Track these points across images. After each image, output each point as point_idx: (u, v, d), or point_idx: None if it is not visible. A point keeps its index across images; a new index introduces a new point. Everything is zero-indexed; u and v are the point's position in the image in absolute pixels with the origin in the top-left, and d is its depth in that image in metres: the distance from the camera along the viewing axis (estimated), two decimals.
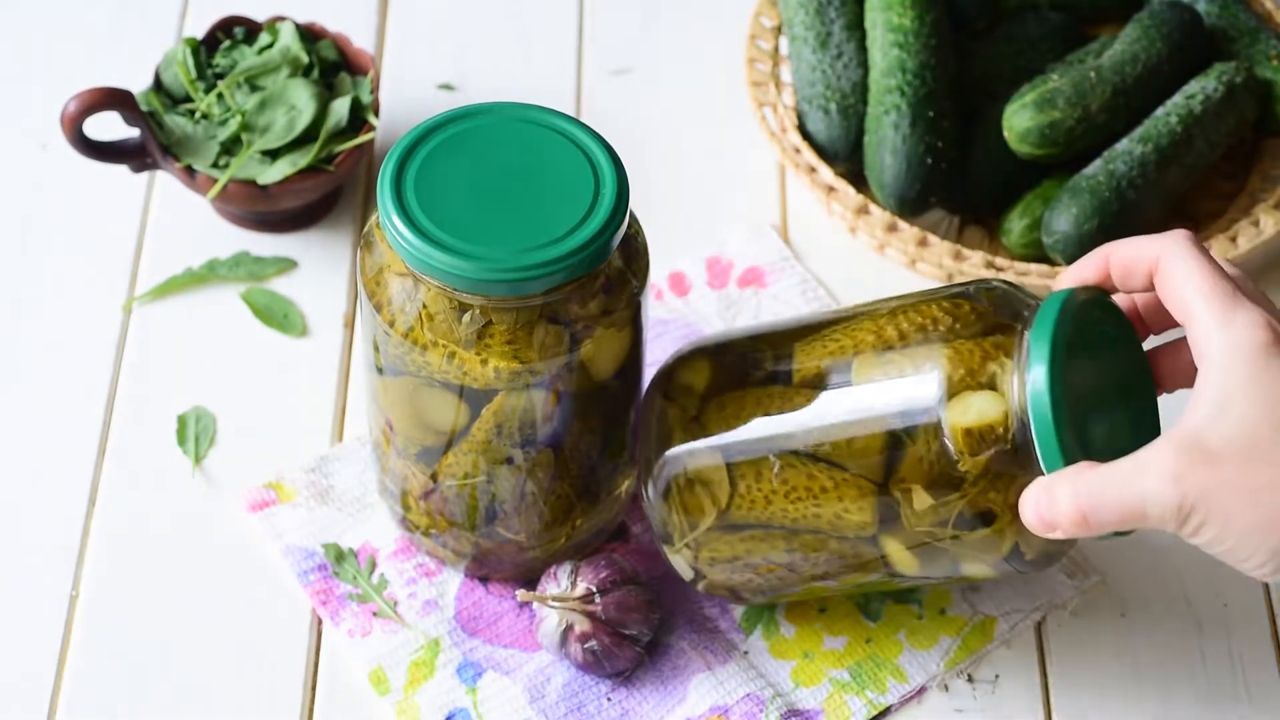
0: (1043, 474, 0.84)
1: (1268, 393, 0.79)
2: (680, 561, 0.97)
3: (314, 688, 1.00)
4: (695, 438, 0.94)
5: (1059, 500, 0.82)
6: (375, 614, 1.02)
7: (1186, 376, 0.90)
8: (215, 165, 1.14)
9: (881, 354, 0.90)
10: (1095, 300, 0.87)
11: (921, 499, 0.89)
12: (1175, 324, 0.88)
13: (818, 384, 0.92)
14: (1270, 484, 0.78)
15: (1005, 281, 0.92)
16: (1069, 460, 0.83)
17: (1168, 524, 0.80)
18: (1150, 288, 0.86)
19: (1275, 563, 0.79)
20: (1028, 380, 0.84)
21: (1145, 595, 1.04)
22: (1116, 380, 0.89)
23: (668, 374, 0.97)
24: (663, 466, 0.95)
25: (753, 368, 0.95)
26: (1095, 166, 1.14)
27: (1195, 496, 0.79)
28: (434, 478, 0.97)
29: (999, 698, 1.01)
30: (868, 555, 0.92)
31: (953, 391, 0.87)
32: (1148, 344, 0.91)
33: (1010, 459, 0.86)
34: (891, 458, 0.89)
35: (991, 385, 0.87)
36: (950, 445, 0.87)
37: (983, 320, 0.89)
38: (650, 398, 0.97)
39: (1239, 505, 0.78)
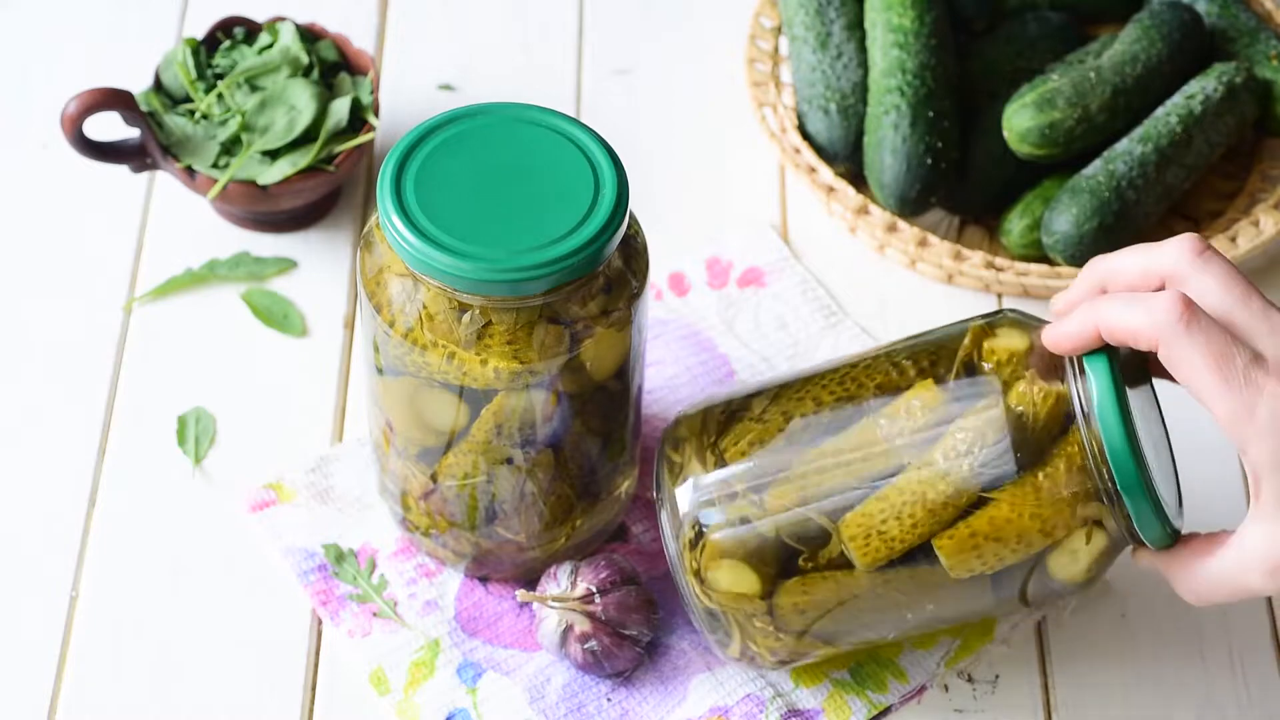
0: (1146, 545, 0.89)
1: None
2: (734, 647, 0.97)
3: (314, 688, 1.00)
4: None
5: (1177, 586, 0.89)
6: (375, 614, 1.02)
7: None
8: (215, 165, 1.14)
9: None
10: (1121, 367, 0.87)
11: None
12: None
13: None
14: None
15: (1014, 311, 0.92)
16: (1168, 531, 0.88)
17: (1264, 595, 0.87)
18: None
19: None
20: (1131, 516, 0.87)
21: (1145, 595, 1.04)
22: (1137, 386, 0.89)
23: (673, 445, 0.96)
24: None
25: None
26: (1095, 166, 1.14)
27: None
28: (434, 478, 0.97)
29: (999, 698, 1.01)
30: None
31: (1053, 547, 0.89)
32: None
33: (1115, 552, 0.91)
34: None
35: (1084, 520, 0.88)
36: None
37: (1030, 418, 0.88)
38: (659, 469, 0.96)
39: None
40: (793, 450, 0.91)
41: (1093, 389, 0.85)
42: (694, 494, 0.92)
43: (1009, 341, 0.88)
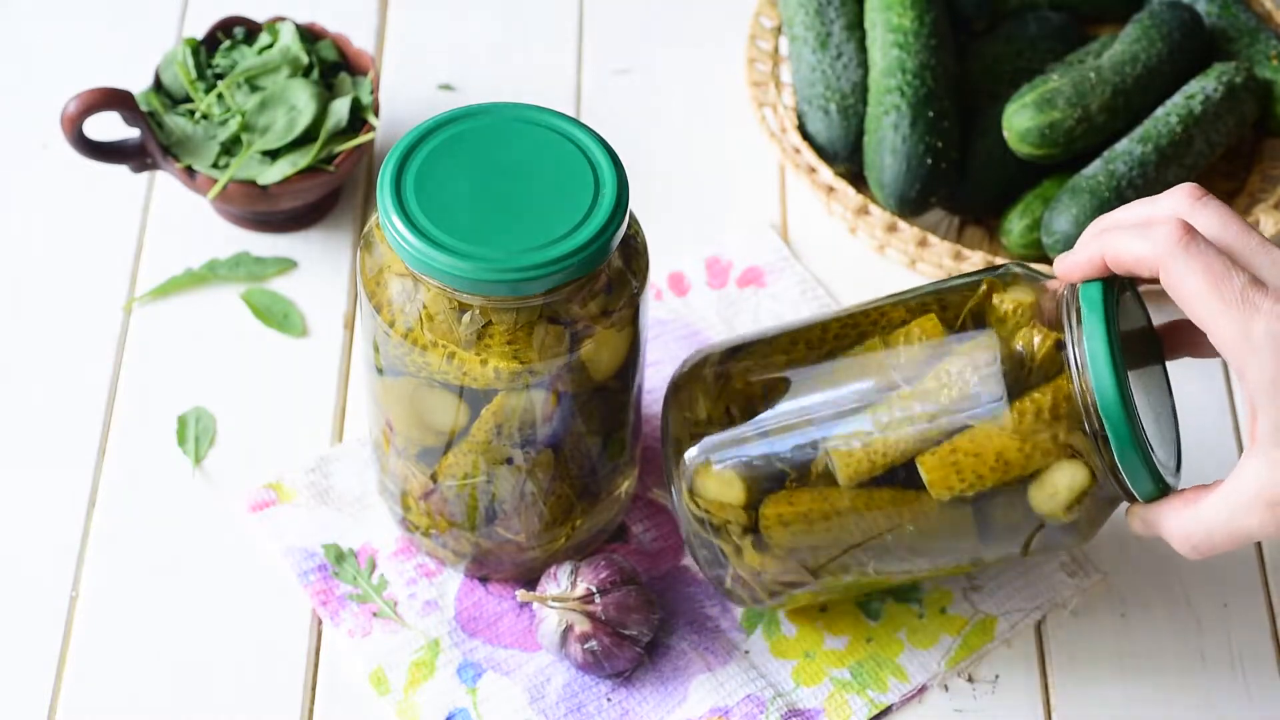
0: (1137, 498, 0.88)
1: None
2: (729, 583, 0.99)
3: (314, 688, 1.00)
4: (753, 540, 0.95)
5: (1171, 537, 0.87)
6: (375, 614, 1.02)
7: (1189, 350, 0.93)
8: (215, 165, 1.14)
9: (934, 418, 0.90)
10: (1119, 296, 0.88)
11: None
12: None
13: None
14: None
15: (1020, 265, 0.93)
16: (1159, 484, 0.87)
17: (1268, 539, 0.86)
18: (1155, 282, 0.87)
19: None
20: (1114, 452, 0.86)
21: (1145, 595, 1.04)
22: (1147, 366, 0.90)
23: (676, 388, 0.98)
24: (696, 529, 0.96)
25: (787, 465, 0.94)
26: (1095, 166, 1.14)
27: None
28: (434, 478, 0.97)
29: (999, 697, 1.01)
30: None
31: (1034, 474, 0.88)
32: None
33: (1103, 501, 0.89)
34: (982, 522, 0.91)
35: (1065, 449, 0.87)
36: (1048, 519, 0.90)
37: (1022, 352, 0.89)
38: (667, 421, 0.98)
39: None
40: (793, 372, 0.94)
41: (1086, 322, 0.86)
42: (691, 414, 0.96)
43: (1017, 294, 0.90)
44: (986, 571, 1.04)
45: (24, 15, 1.30)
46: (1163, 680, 1.01)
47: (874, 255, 1.19)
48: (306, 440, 1.09)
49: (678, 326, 1.15)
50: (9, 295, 1.15)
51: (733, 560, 0.96)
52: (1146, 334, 0.92)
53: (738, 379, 0.95)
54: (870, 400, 0.90)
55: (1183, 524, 0.86)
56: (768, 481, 0.93)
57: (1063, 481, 0.88)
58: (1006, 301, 0.89)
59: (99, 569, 1.04)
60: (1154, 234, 0.84)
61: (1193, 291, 0.82)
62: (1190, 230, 0.83)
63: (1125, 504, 0.90)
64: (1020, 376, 0.87)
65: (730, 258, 1.18)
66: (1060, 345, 0.87)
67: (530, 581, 1.03)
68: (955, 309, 0.91)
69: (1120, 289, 0.88)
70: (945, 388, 0.88)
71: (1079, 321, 0.86)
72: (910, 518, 0.91)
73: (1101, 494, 0.89)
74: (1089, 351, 0.85)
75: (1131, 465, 0.86)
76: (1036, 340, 0.87)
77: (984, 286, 0.91)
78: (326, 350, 1.14)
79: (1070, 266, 0.88)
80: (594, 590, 0.97)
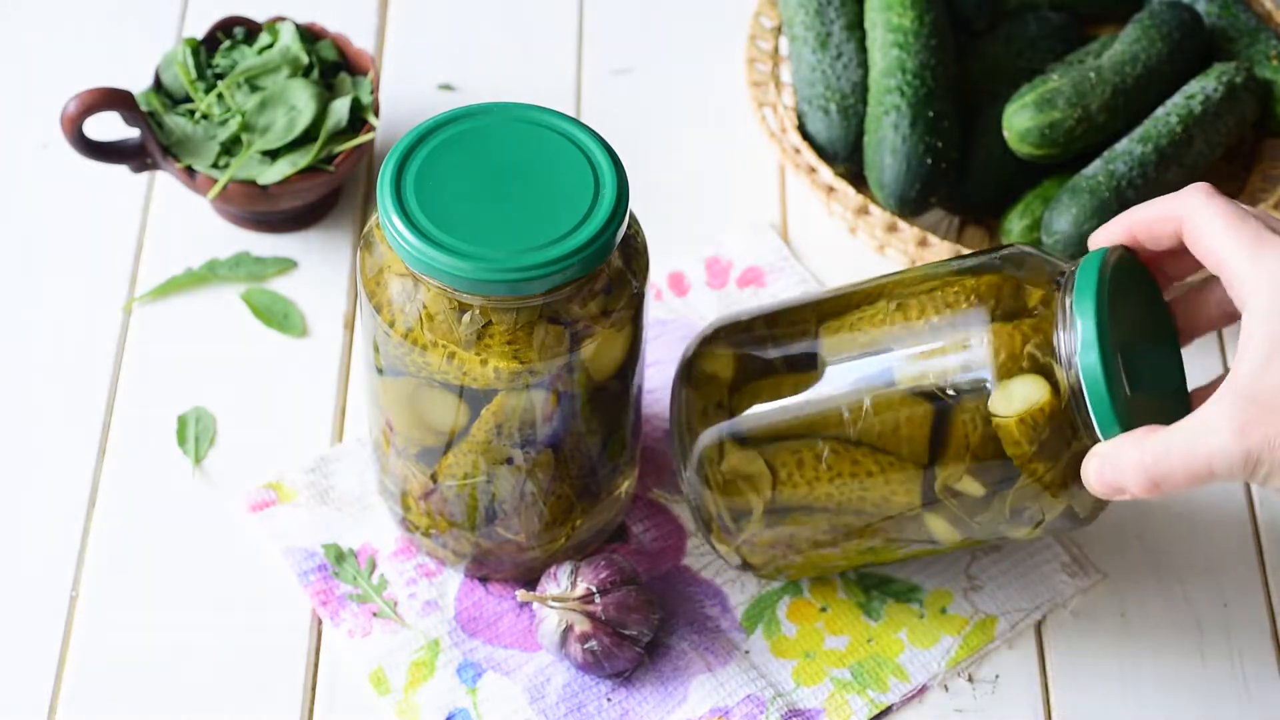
0: (1098, 439, 0.86)
1: None
2: (725, 550, 0.99)
3: (314, 688, 1.00)
4: (728, 430, 0.96)
5: (1125, 470, 0.84)
6: (375, 614, 1.02)
7: (1205, 325, 0.93)
8: (215, 165, 1.14)
9: (918, 333, 0.91)
10: (1124, 258, 0.89)
11: (972, 487, 0.90)
12: (1192, 271, 0.91)
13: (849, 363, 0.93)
14: None
15: (1030, 245, 0.93)
16: (1125, 427, 0.85)
17: (1236, 477, 0.81)
18: (1175, 245, 0.88)
19: None
20: (1076, 354, 0.85)
21: (1145, 595, 1.04)
22: (1148, 331, 0.91)
23: (690, 363, 0.99)
24: (700, 462, 0.96)
25: (777, 350, 0.96)
26: (1095, 166, 1.14)
27: (1260, 447, 0.80)
28: (434, 478, 0.97)
29: (999, 697, 1.01)
30: (911, 532, 0.95)
31: (1000, 373, 0.88)
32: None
33: (1062, 434, 0.87)
34: (936, 436, 0.90)
35: (1035, 366, 0.87)
36: (1001, 435, 0.88)
37: (1020, 292, 0.89)
38: (676, 389, 0.99)
39: None
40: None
41: (1081, 270, 0.87)
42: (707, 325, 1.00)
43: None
44: (988, 571, 1.04)
45: (24, 15, 1.30)
46: (1163, 680, 1.01)
47: (874, 255, 1.19)
48: (306, 440, 1.09)
49: (678, 326, 1.15)
50: (9, 295, 1.15)
51: (708, 461, 0.97)
52: (1156, 308, 0.92)
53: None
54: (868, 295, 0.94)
55: (1141, 451, 0.84)
56: (759, 368, 0.96)
57: (1019, 391, 0.88)
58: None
59: (99, 569, 1.04)
60: (1178, 194, 0.87)
61: (1211, 234, 0.84)
62: (1212, 189, 0.87)
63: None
64: (1006, 312, 0.89)
65: (730, 258, 1.18)
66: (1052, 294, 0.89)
67: (530, 581, 1.03)
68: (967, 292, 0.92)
69: (1126, 261, 0.89)
70: (938, 287, 0.91)
71: (1074, 276, 0.88)
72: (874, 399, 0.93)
73: (1061, 421, 0.87)
74: (1077, 276, 0.86)
75: (1094, 383, 0.85)
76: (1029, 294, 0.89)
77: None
78: (326, 350, 1.14)
79: (1100, 239, 0.90)
80: (594, 590, 0.97)
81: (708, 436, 0.96)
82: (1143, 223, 0.89)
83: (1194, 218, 0.86)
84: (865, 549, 0.97)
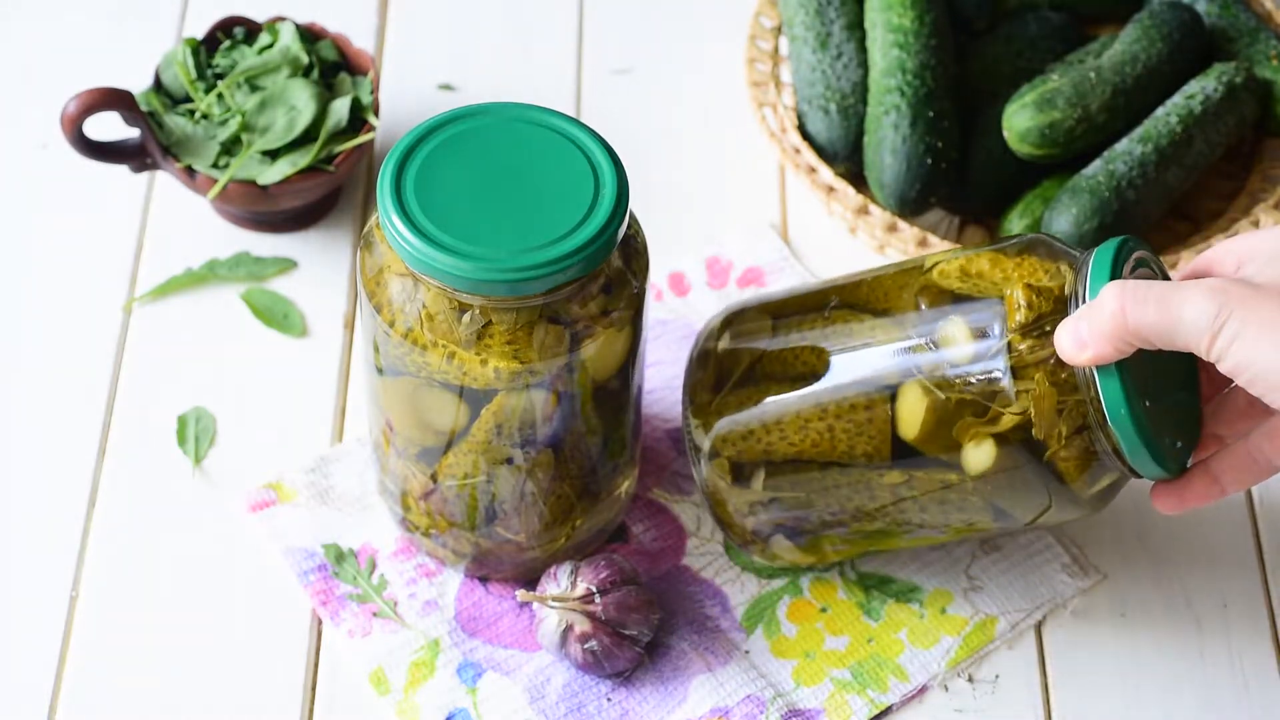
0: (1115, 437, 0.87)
1: None
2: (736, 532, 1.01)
3: (314, 688, 1.00)
4: (742, 403, 0.97)
5: (1102, 300, 0.83)
6: (375, 614, 1.02)
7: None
8: (215, 165, 1.14)
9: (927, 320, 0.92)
10: (1140, 253, 0.89)
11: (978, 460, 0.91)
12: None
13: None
14: None
15: (1049, 234, 0.93)
16: (1145, 436, 0.86)
17: (1200, 334, 0.81)
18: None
19: None
20: (1086, 270, 0.86)
21: (1145, 595, 1.04)
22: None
23: (706, 347, 1.00)
24: (711, 444, 0.97)
25: (786, 337, 0.97)
26: (1095, 166, 1.14)
27: (1233, 307, 0.80)
28: (434, 478, 0.97)
29: (999, 697, 1.01)
30: (912, 513, 0.95)
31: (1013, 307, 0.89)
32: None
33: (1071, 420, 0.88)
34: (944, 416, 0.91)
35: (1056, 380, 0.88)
36: (1010, 313, 0.88)
37: (1044, 265, 0.90)
38: (690, 371, 1.00)
39: (1273, 321, 0.79)
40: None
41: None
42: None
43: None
44: (988, 572, 1.04)
45: (24, 15, 1.30)
46: (1163, 680, 1.01)
47: (874, 255, 1.19)
48: (306, 440, 1.09)
49: (678, 326, 1.15)
50: (9, 295, 1.15)
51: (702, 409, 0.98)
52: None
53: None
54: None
55: (1122, 291, 0.83)
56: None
57: (1021, 297, 0.89)
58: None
59: (99, 569, 1.04)
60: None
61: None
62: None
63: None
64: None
65: (730, 258, 1.18)
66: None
67: (530, 581, 1.03)
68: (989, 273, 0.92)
69: (1130, 252, 0.89)
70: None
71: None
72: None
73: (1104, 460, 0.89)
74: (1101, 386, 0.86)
75: (1132, 444, 0.87)
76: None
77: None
78: (326, 350, 1.14)
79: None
80: (594, 590, 0.97)
81: (722, 423, 0.97)
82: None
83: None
84: (872, 530, 0.97)
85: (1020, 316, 0.88)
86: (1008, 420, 0.89)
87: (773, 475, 0.96)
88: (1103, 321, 0.83)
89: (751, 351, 0.98)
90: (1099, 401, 0.86)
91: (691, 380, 1.00)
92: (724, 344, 0.99)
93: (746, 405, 0.96)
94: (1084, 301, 0.86)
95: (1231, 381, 0.92)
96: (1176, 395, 0.91)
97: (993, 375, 0.89)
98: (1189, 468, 0.91)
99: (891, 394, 0.92)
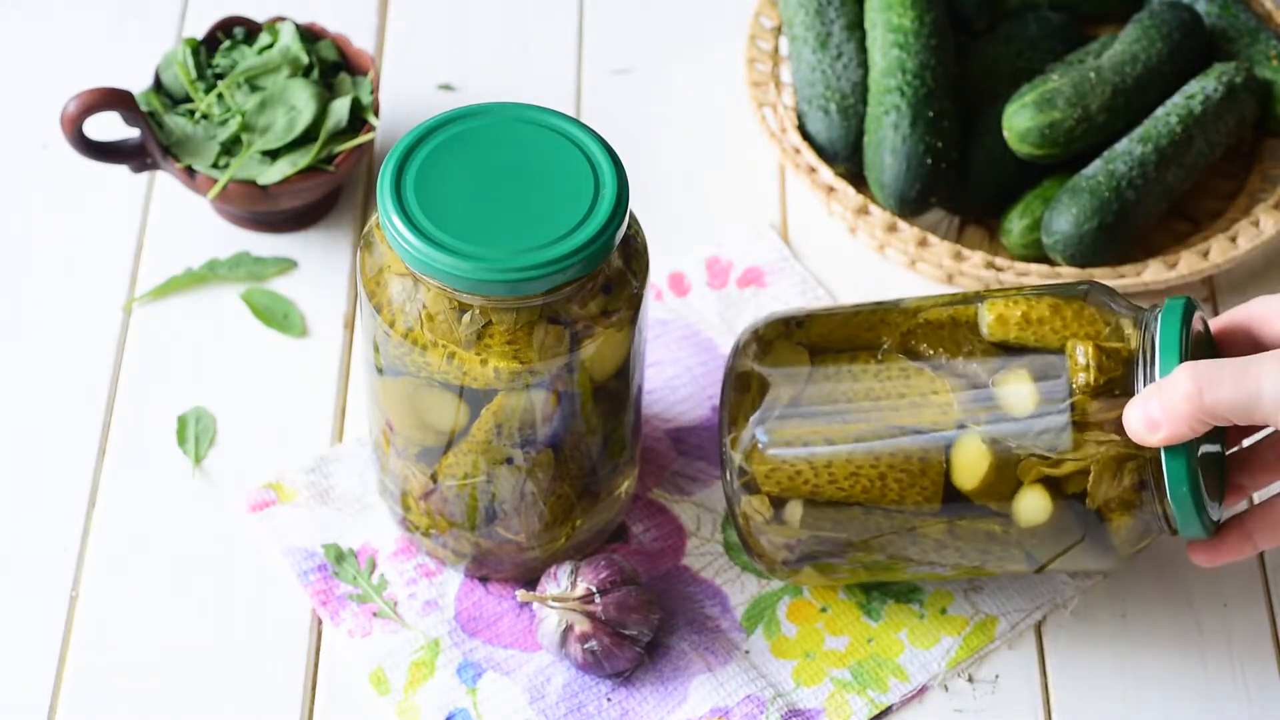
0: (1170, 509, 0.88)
1: None
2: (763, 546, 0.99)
3: (314, 688, 1.00)
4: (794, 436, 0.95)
5: (1176, 382, 0.83)
6: (375, 614, 1.02)
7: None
8: (215, 165, 1.14)
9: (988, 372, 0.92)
10: (1199, 330, 0.90)
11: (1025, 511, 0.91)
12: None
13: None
14: None
15: (1101, 284, 0.94)
16: (1196, 497, 0.87)
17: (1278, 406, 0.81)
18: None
19: None
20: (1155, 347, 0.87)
21: (1145, 595, 1.04)
22: None
23: (739, 367, 0.98)
24: (744, 456, 0.96)
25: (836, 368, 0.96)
26: (1095, 166, 1.14)
27: None
28: (434, 478, 0.97)
29: (999, 698, 1.00)
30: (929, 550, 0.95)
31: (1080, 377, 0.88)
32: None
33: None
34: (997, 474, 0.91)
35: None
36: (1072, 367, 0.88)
37: (1100, 318, 0.90)
38: (725, 390, 0.98)
39: None
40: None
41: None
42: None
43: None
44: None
45: (24, 15, 1.30)
46: (1163, 681, 1.01)
47: (874, 255, 1.19)
48: (306, 440, 1.09)
49: (678, 326, 1.15)
50: (9, 295, 1.15)
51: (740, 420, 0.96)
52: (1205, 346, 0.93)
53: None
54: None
55: (1195, 374, 0.83)
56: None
57: (1091, 356, 0.88)
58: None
59: (99, 569, 1.04)
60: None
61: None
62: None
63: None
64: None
65: (730, 258, 1.18)
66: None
67: (530, 581, 1.03)
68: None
69: (1191, 314, 0.89)
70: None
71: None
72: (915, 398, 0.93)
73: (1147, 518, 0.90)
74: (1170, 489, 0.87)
75: (1184, 510, 0.88)
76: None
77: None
78: (326, 350, 1.14)
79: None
80: (594, 590, 0.97)
81: (752, 432, 0.96)
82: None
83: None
84: (892, 563, 0.97)
85: (1088, 377, 0.88)
86: (1069, 466, 0.89)
87: (812, 511, 0.95)
88: (1176, 403, 0.83)
89: (793, 381, 0.95)
90: (1159, 473, 0.87)
91: (730, 402, 0.97)
92: (761, 368, 0.96)
93: (795, 444, 0.94)
94: (1151, 372, 0.86)
95: (1253, 431, 0.92)
96: (1210, 452, 0.91)
97: (1057, 437, 0.89)
98: (1223, 524, 0.92)
99: (948, 444, 0.91)
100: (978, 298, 0.94)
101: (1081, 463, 0.88)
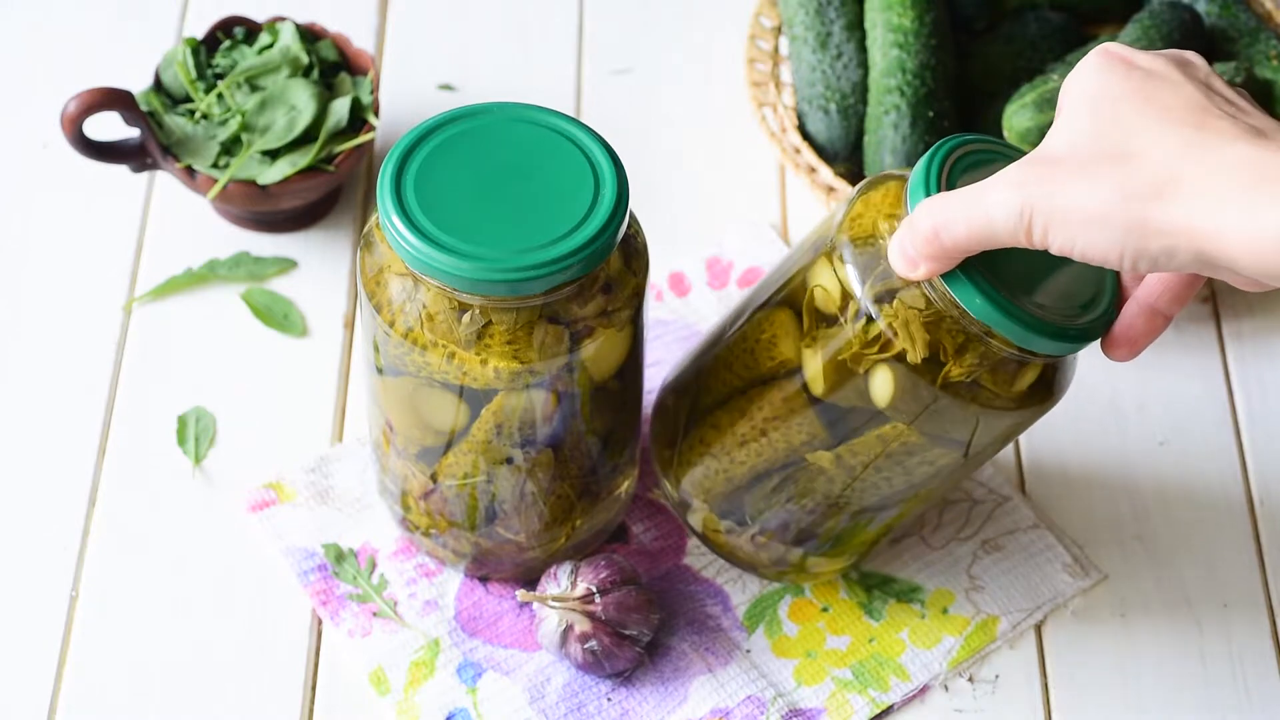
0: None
1: (1097, 94, 0.79)
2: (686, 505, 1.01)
3: (314, 688, 1.00)
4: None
5: (916, 222, 0.83)
6: (375, 614, 1.02)
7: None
8: (215, 165, 1.14)
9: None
10: (978, 146, 0.88)
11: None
12: None
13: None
14: (1101, 173, 0.77)
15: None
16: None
17: (1014, 231, 0.79)
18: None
19: (1122, 250, 0.77)
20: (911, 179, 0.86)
21: (1145, 595, 1.04)
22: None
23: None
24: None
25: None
26: None
27: (1035, 198, 0.78)
28: (434, 478, 0.97)
29: (999, 698, 1.01)
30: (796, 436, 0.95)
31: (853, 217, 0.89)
32: None
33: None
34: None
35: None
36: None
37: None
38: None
39: (1075, 199, 0.77)
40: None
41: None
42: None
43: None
44: (989, 571, 1.04)
45: (24, 15, 1.30)
46: (1163, 681, 1.01)
47: None
48: (306, 440, 1.09)
49: (678, 326, 1.15)
50: (9, 295, 1.15)
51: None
52: None
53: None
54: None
55: (930, 205, 0.82)
56: None
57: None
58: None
59: (99, 569, 1.04)
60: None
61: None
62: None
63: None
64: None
65: (730, 258, 1.18)
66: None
67: (530, 581, 1.03)
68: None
69: (951, 154, 0.87)
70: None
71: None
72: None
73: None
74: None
75: (915, 190, 0.85)
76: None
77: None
78: (326, 350, 1.14)
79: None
80: (594, 590, 0.97)
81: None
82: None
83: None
84: (834, 507, 0.97)
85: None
86: (884, 339, 0.87)
87: (748, 498, 0.98)
88: (920, 245, 0.83)
89: (689, 393, 1.00)
90: (958, 303, 0.85)
91: (653, 436, 1.02)
92: (670, 396, 1.01)
93: (697, 449, 0.98)
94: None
95: None
96: (1064, 262, 0.88)
97: (867, 314, 0.88)
98: (1122, 311, 0.87)
99: (802, 379, 0.92)
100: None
101: (893, 329, 0.87)
